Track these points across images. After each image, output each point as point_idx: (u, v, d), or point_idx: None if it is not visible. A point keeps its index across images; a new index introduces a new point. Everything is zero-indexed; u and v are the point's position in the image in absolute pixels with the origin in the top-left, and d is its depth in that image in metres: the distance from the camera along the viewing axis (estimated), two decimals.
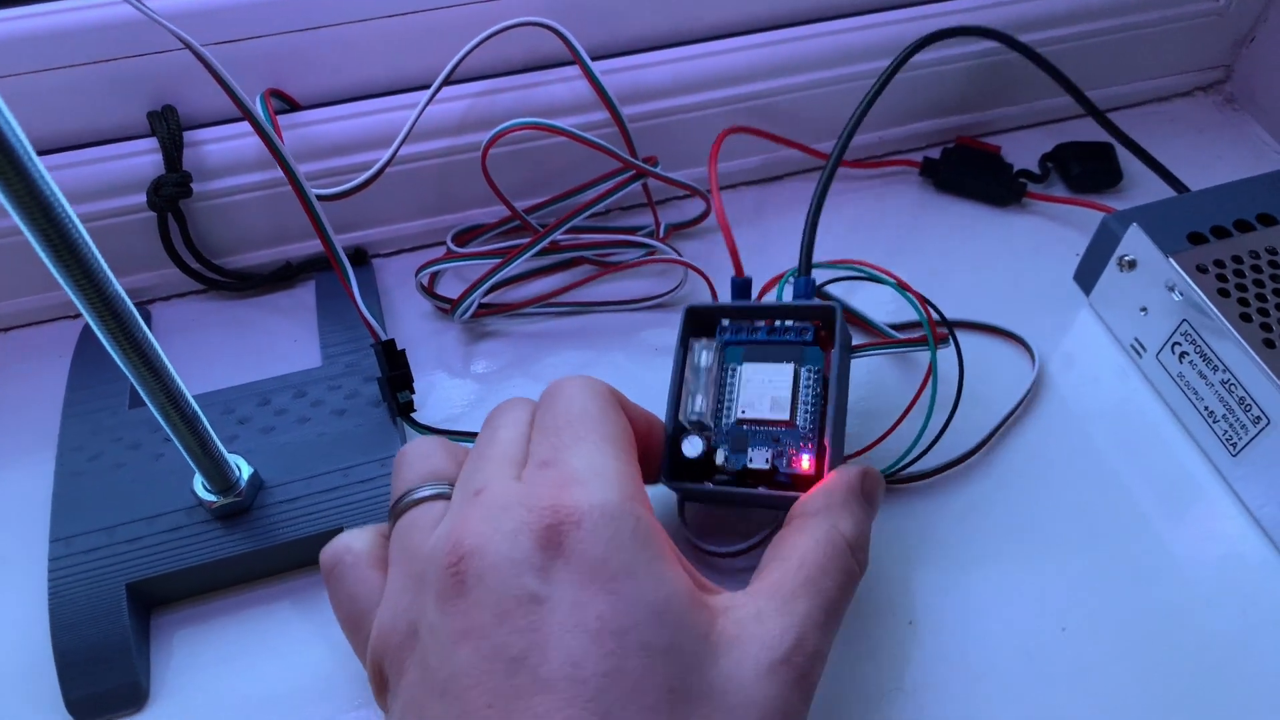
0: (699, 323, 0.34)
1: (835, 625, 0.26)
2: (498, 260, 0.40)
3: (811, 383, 0.32)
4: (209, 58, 0.31)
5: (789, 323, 0.33)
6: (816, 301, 0.33)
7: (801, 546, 0.27)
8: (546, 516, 0.24)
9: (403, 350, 0.36)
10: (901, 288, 0.35)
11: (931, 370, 0.35)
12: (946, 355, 0.38)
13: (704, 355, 0.33)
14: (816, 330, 0.33)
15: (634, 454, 0.28)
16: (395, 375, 0.35)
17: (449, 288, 0.43)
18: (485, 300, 0.41)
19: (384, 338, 0.36)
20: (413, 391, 0.36)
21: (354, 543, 0.28)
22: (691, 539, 0.34)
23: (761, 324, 0.33)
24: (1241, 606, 0.33)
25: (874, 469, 0.30)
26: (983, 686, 0.31)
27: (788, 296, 0.36)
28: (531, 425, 0.28)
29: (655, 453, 0.31)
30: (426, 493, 0.28)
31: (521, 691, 0.22)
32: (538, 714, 0.21)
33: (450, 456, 0.29)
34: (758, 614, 0.25)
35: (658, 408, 0.32)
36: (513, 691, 0.22)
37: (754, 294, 0.37)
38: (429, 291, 0.41)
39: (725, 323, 0.34)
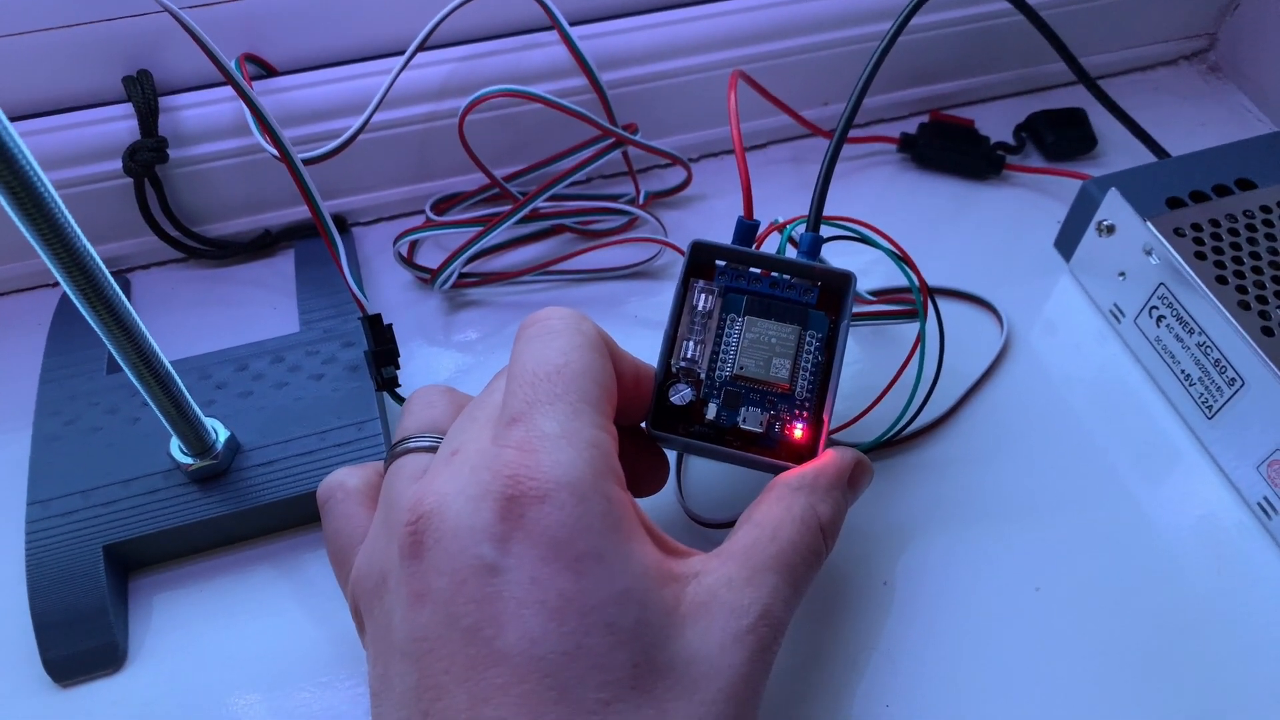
0: (703, 261, 0.32)
1: (798, 602, 0.26)
2: (477, 229, 0.40)
3: (814, 350, 0.31)
4: (189, 21, 0.30)
5: (790, 279, 0.32)
6: (834, 266, 0.31)
7: (778, 518, 0.26)
8: (510, 486, 0.23)
9: (389, 325, 0.36)
10: (900, 258, 0.35)
11: (920, 340, 0.34)
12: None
13: (704, 299, 0.31)
14: (821, 291, 0.31)
15: (612, 415, 0.27)
16: (381, 350, 0.35)
17: (428, 257, 0.43)
18: (465, 270, 0.41)
19: (370, 311, 0.36)
20: (398, 366, 0.36)
21: (348, 479, 0.29)
22: (684, 506, 0.34)
23: (758, 273, 0.32)
24: (1216, 567, 0.33)
25: (867, 460, 0.30)
26: (956, 645, 0.31)
27: (788, 248, 0.35)
28: None
29: (641, 404, 0.30)
30: (420, 443, 0.28)
31: (477, 662, 0.22)
32: (494, 686, 0.21)
33: (453, 407, 0.29)
34: (728, 580, 0.24)
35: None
36: (469, 661, 0.22)
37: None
38: (408, 261, 0.41)
39: (722, 264, 0.32)
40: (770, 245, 0.36)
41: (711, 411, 0.30)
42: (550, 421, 0.24)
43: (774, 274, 0.32)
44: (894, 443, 0.36)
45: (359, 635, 0.27)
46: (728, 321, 0.31)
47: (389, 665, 0.23)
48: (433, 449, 0.27)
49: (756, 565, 0.25)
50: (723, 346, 0.31)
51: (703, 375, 0.31)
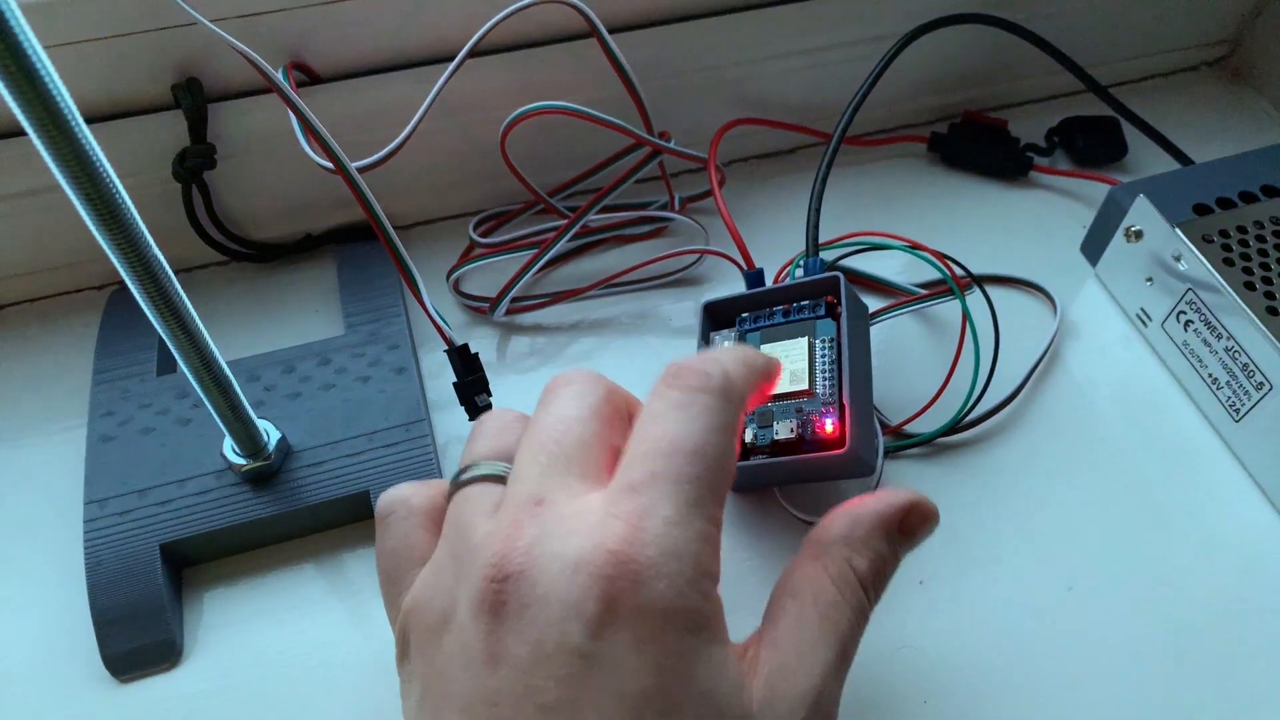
0: (718, 316, 0.36)
1: (849, 664, 0.25)
2: (527, 252, 0.40)
3: (825, 351, 0.33)
4: (242, 47, 0.31)
5: (804, 302, 0.34)
6: (819, 274, 0.34)
7: (815, 583, 0.25)
8: (610, 564, 0.21)
9: (476, 354, 0.35)
10: (913, 247, 0.36)
11: (966, 319, 0.36)
12: (976, 311, 0.38)
13: (725, 345, 0.34)
14: (829, 304, 0.34)
15: (724, 500, 0.25)
16: (473, 380, 0.35)
17: (473, 281, 0.43)
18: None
19: (453, 341, 0.35)
20: (490, 394, 0.36)
21: (412, 497, 0.27)
22: (788, 508, 0.35)
23: (779, 309, 0.35)
24: (1243, 568, 0.34)
25: (926, 503, 0.27)
26: (990, 645, 0.32)
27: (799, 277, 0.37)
28: (612, 417, 0.26)
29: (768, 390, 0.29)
30: (487, 471, 0.26)
31: None
32: None
33: None
34: (781, 668, 0.24)
35: None
36: None
37: (769, 281, 0.38)
38: (458, 291, 0.42)
39: (744, 314, 0.35)
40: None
41: (750, 435, 0.33)
42: (668, 504, 0.23)
43: (792, 303, 0.35)
44: (927, 443, 0.37)
45: (398, 659, 0.25)
46: None
47: (442, 714, 0.22)
48: (503, 479, 0.26)
49: (805, 645, 0.24)
50: None
51: None
